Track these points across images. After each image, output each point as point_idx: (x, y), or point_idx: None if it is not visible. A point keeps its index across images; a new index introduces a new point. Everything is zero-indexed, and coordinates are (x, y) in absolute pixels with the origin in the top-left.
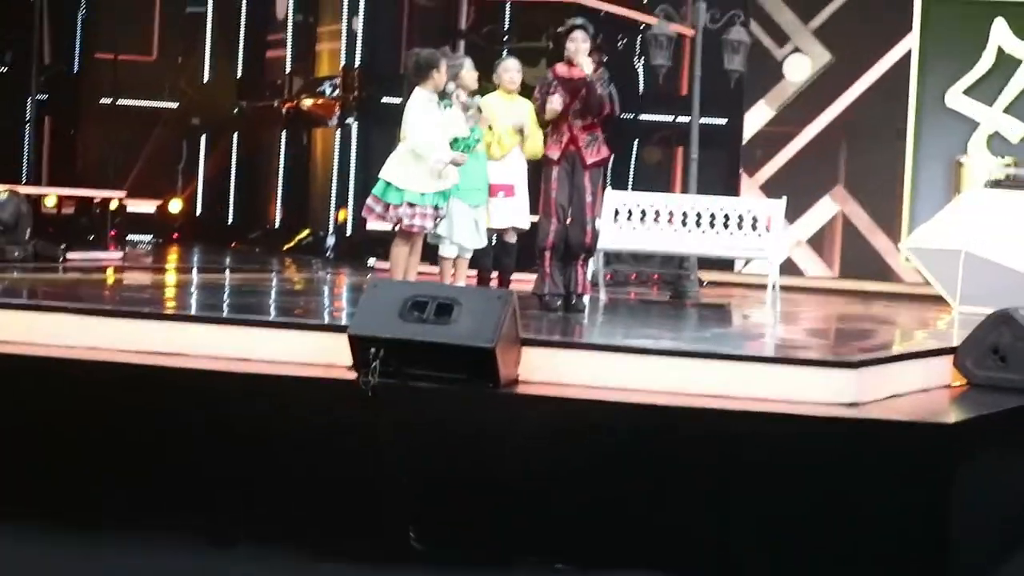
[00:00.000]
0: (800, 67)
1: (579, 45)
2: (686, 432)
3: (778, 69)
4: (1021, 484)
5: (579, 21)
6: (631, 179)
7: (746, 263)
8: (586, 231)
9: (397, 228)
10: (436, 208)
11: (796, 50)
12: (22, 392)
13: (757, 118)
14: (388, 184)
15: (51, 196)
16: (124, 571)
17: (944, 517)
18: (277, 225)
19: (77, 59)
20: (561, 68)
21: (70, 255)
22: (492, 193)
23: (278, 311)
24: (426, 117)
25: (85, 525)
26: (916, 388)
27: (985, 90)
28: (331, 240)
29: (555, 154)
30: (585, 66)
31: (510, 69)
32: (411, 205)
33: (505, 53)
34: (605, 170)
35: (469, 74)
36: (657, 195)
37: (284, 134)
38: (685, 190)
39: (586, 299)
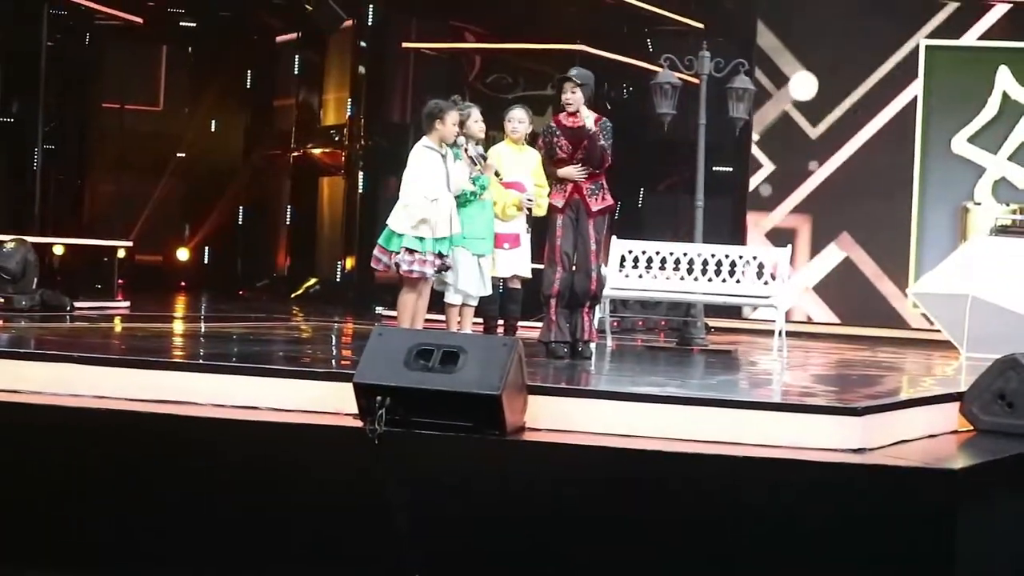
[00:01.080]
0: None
1: (569, 96)
2: (693, 478)
3: (785, 117)
4: None
5: (572, 72)
6: (637, 227)
7: (753, 309)
8: (591, 278)
9: (400, 275)
10: (440, 255)
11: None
12: (29, 441)
13: (763, 165)
14: (392, 232)
15: (58, 246)
16: None
17: (950, 563)
18: (284, 273)
19: (84, 109)
20: (563, 117)
21: (77, 304)
22: (497, 244)
23: (285, 360)
24: (423, 166)
25: (91, 573)
26: (922, 434)
27: (990, 137)
28: (339, 288)
29: (559, 202)
30: (587, 119)
31: (513, 119)
32: (410, 251)
33: (512, 101)
34: (610, 218)
35: (475, 124)
36: (663, 243)
37: (291, 183)
38: (691, 238)
39: (592, 346)
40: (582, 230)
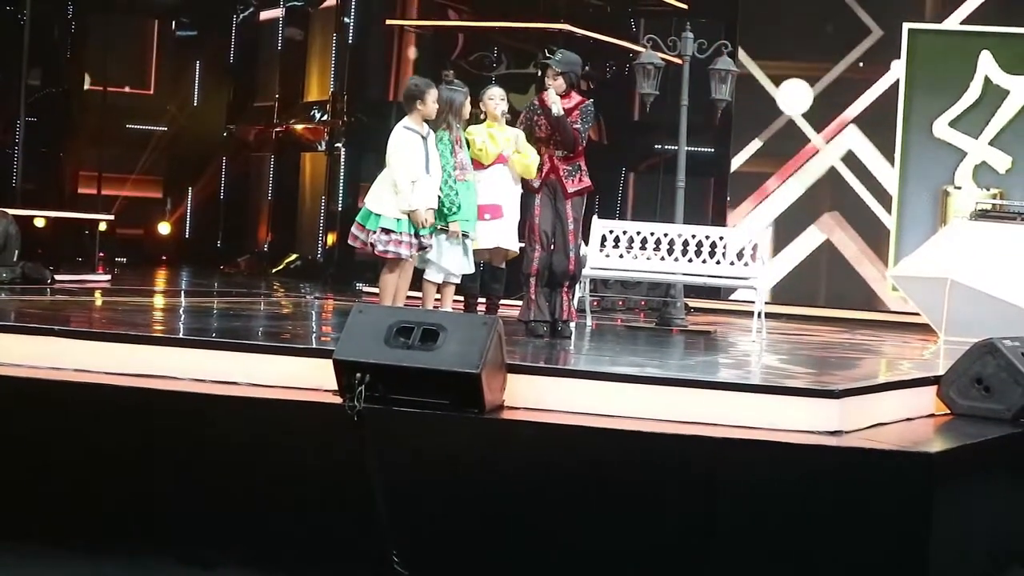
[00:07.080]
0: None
1: (550, 82)
2: (670, 459)
3: (767, 99)
4: (1002, 514)
5: (556, 58)
6: (618, 207)
7: (733, 291)
8: (569, 258)
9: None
10: (417, 236)
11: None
12: (8, 414)
13: (745, 147)
14: (369, 210)
15: (39, 218)
16: None
17: (925, 546)
18: (266, 249)
19: (67, 82)
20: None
21: (58, 277)
22: (478, 215)
23: (265, 335)
24: (407, 149)
25: (68, 547)
26: (900, 417)
27: (972, 121)
28: (319, 264)
29: (536, 181)
30: (554, 104)
31: (495, 97)
32: (386, 231)
33: (493, 80)
34: (590, 199)
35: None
36: (644, 223)
37: (273, 158)
38: (672, 218)
39: (572, 325)
40: (559, 210)
